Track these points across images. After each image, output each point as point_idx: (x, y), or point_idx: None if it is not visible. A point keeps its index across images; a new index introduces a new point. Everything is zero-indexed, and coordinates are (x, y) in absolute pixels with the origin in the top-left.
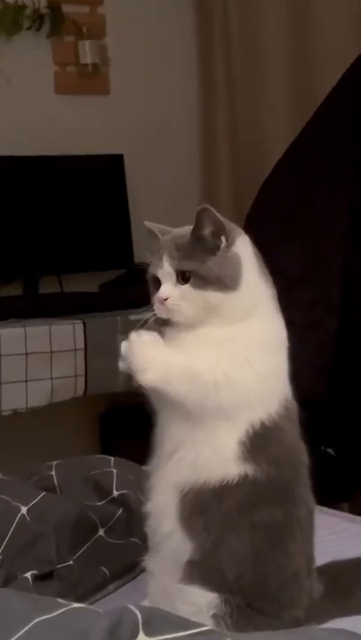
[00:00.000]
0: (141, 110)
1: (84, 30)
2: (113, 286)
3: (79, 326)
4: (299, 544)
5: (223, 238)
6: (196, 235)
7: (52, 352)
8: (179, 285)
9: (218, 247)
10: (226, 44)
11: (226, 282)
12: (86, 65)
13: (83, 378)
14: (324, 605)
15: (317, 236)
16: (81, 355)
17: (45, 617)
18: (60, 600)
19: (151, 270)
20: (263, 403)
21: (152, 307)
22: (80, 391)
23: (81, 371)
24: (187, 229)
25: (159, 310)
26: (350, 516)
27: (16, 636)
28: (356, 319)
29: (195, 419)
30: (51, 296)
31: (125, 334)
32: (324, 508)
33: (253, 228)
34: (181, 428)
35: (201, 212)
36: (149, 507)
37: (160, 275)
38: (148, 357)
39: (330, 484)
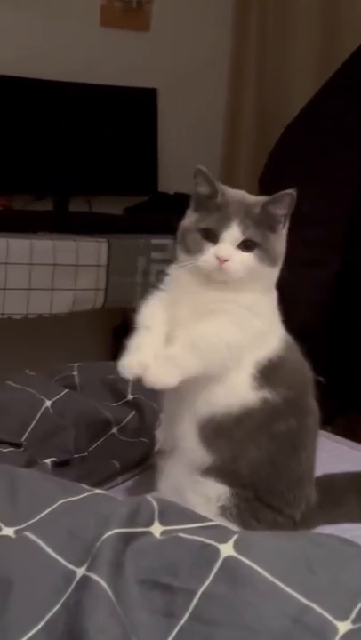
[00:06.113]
0: (177, 49)
1: None
2: (136, 211)
3: (103, 244)
4: (307, 451)
5: (285, 220)
6: (268, 211)
7: (77, 265)
8: (239, 251)
9: (277, 227)
10: None
11: (279, 258)
12: (131, 1)
13: (103, 292)
14: (316, 513)
15: (330, 181)
16: (103, 271)
17: (70, 499)
18: (84, 485)
19: (209, 224)
20: (265, 344)
21: (188, 255)
22: (99, 304)
23: (102, 285)
24: (253, 199)
25: (208, 264)
26: (337, 437)
27: (43, 514)
28: (357, 260)
29: (216, 377)
30: (79, 214)
31: (145, 256)
32: None
33: (272, 170)
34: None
35: (286, 195)
36: (168, 430)
37: (224, 235)
38: (159, 371)
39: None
